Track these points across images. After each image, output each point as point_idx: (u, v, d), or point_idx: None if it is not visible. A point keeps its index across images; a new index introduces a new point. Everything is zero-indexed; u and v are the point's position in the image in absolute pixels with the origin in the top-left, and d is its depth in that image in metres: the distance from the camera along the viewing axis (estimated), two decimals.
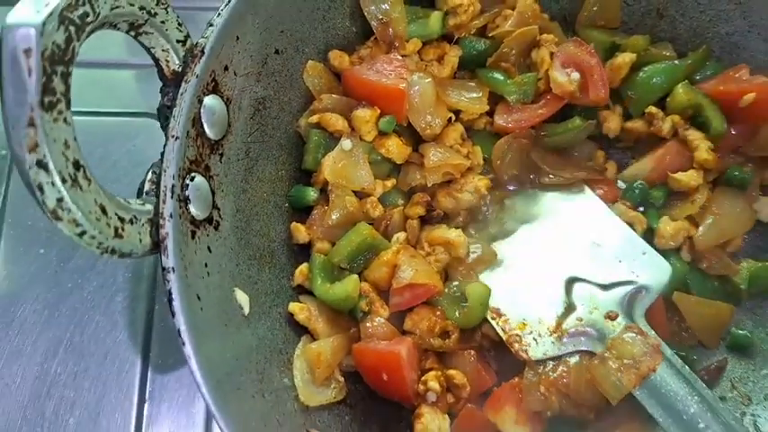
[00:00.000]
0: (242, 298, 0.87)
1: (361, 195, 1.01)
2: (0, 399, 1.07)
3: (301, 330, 0.95)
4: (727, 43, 1.10)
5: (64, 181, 0.66)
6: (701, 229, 1.04)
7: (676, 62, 1.09)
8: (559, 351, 0.95)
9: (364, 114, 1.01)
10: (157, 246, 0.77)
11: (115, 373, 1.09)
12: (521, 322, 0.98)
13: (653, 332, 0.94)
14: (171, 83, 0.84)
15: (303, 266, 0.98)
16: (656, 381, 0.89)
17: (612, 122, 1.09)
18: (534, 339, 0.96)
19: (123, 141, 1.25)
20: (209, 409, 0.72)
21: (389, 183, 1.05)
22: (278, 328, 0.93)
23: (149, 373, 1.10)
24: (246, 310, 0.87)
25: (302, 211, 1.02)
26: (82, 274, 1.15)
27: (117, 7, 0.74)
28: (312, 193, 1.01)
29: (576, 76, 1.04)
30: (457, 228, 1.03)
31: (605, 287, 0.99)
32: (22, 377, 1.07)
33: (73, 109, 1.30)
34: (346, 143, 1.00)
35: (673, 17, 1.12)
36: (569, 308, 0.98)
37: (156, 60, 0.84)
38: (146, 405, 1.08)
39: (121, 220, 0.73)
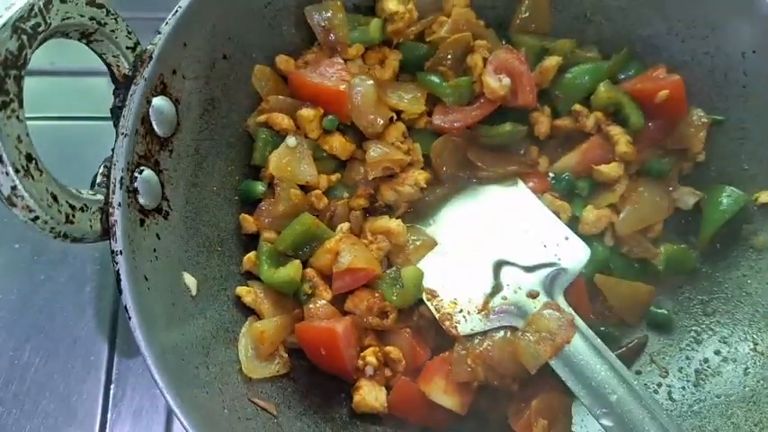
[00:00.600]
0: (190, 281, 0.95)
1: (307, 189, 1.10)
2: None
3: (248, 312, 1.03)
4: (649, 45, 1.18)
5: (17, 171, 0.74)
6: (621, 216, 1.13)
7: (600, 63, 1.17)
8: (485, 327, 1.03)
9: (308, 114, 1.09)
10: (107, 232, 0.85)
11: (84, 358, 1.17)
12: (452, 302, 1.06)
13: (570, 309, 1.02)
14: (122, 86, 0.93)
15: (251, 254, 1.06)
16: (570, 351, 0.97)
17: (542, 126, 1.17)
18: (463, 317, 1.05)
19: (94, 142, 1.33)
20: (152, 375, 0.80)
21: (334, 177, 1.13)
22: (225, 310, 1.01)
23: (115, 358, 1.18)
24: (194, 292, 0.95)
25: (251, 204, 1.10)
26: (53, 267, 1.23)
27: (68, 18, 0.83)
28: (260, 187, 1.09)
29: (507, 81, 1.13)
30: (398, 218, 1.12)
31: (529, 269, 1.07)
32: None
33: (48, 114, 1.39)
34: (291, 140, 1.08)
35: (599, 22, 1.21)
36: (496, 288, 1.06)
37: (108, 65, 0.93)
38: (112, 387, 1.16)
39: (72, 207, 0.82)
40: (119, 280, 0.83)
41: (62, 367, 1.16)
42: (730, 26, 1.11)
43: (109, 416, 1.13)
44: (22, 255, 1.24)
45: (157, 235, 0.91)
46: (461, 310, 1.05)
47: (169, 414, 1.14)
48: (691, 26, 1.14)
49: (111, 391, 1.15)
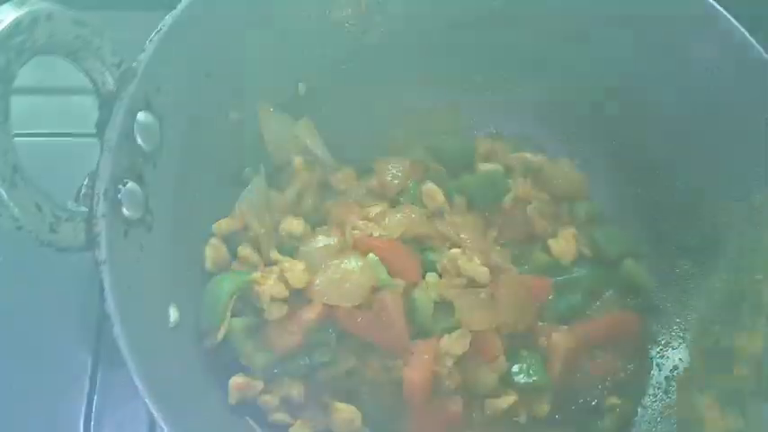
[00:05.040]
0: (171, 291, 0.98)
1: None
2: None
3: None
4: None
5: (3, 181, 0.77)
6: None
7: None
8: None
9: None
10: (92, 242, 0.88)
11: (68, 371, 1.19)
12: None
13: None
14: (107, 101, 0.95)
15: None
16: None
17: None
18: None
19: (85, 158, 1.36)
20: (135, 380, 0.82)
21: None
22: None
23: (99, 371, 1.20)
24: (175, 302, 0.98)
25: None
26: (37, 280, 1.25)
27: (54, 36, 0.86)
28: None
29: None
30: None
31: None
32: None
33: (38, 131, 1.42)
34: None
35: None
36: None
37: (94, 82, 0.95)
38: (95, 397, 1.18)
39: (57, 217, 0.84)
40: (103, 288, 0.85)
41: (49, 380, 1.18)
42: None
43: (92, 425, 1.16)
44: (4, 269, 1.27)
45: (141, 245, 0.94)
46: None
47: (151, 423, 1.16)
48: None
49: (95, 402, 1.17)
